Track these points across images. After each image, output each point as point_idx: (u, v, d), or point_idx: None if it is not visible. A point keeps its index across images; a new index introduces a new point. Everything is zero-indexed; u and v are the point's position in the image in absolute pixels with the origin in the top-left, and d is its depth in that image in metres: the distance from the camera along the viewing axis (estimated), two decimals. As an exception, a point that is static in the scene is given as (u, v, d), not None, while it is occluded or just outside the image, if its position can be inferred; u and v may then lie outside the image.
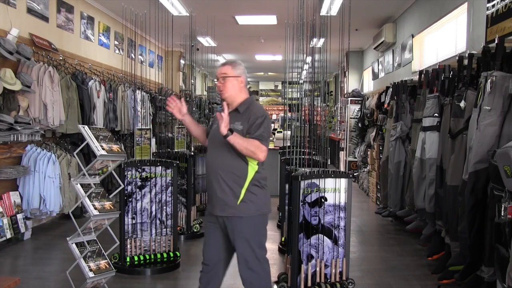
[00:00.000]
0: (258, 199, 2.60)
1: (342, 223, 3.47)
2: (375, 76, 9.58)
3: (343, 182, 3.46)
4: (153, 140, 6.18)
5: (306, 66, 5.45)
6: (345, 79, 11.39)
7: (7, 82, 4.47)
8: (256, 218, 2.63)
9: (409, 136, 5.20)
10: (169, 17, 5.28)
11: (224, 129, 2.43)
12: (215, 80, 2.72)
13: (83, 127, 3.14)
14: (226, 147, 2.54)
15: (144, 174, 4.11)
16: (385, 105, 6.53)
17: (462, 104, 3.53)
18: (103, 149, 3.09)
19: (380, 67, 9.02)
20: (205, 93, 13.54)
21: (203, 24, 6.91)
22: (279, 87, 20.13)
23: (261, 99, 21.05)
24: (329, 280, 3.44)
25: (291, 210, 3.51)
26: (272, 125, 14.62)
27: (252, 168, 2.60)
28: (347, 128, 9.81)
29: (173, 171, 4.20)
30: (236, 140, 2.47)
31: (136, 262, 4.01)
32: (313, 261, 3.39)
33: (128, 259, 4.00)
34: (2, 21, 4.78)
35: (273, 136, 10.00)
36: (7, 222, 4.60)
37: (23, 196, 4.90)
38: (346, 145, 9.79)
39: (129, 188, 4.06)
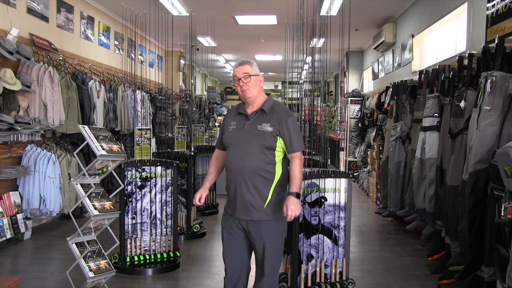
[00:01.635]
0: (283, 201, 2.53)
1: (342, 223, 3.47)
2: (375, 76, 9.58)
3: (343, 182, 3.46)
4: (153, 140, 6.19)
5: (306, 66, 5.45)
6: (345, 79, 11.39)
7: (7, 82, 4.47)
8: (282, 223, 2.60)
9: (409, 136, 5.20)
10: (169, 17, 5.28)
11: (297, 208, 2.46)
12: (232, 81, 2.61)
13: (83, 127, 3.14)
14: (256, 149, 2.50)
15: (144, 174, 4.12)
16: (385, 105, 6.53)
17: (462, 104, 3.53)
18: (103, 149, 3.09)
19: (380, 67, 9.02)
20: (205, 93, 13.56)
21: (203, 24, 6.92)
22: (279, 87, 20.13)
23: (261, 99, 21.03)
24: (329, 280, 3.44)
25: (291, 210, 3.51)
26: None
27: (279, 168, 2.56)
28: (347, 128, 9.81)
29: (173, 171, 4.20)
30: (299, 186, 2.53)
31: (136, 262, 4.01)
32: (313, 261, 3.40)
33: (128, 259, 4.00)
34: (2, 21, 4.78)
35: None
36: (7, 222, 4.60)
37: (23, 196, 4.90)
38: (346, 145, 9.79)
39: (129, 188, 4.06)
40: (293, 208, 2.45)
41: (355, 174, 8.63)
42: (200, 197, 2.67)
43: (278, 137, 2.52)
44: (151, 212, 4.13)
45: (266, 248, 2.52)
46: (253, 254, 2.64)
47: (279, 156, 2.55)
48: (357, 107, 9.65)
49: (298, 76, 4.84)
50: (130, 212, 4.06)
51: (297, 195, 2.50)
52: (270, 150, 2.52)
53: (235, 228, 2.58)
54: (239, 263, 2.61)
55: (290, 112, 2.65)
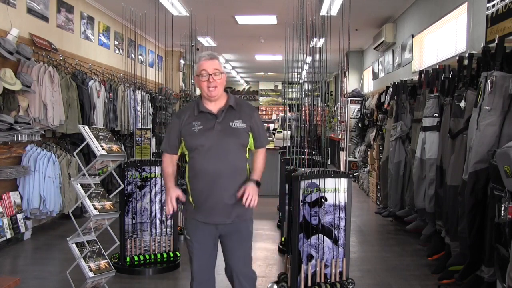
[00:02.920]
0: None
1: (342, 223, 3.47)
2: (375, 76, 9.58)
3: (343, 182, 3.46)
4: (153, 140, 6.19)
5: (306, 66, 5.45)
6: (345, 79, 11.39)
7: (7, 82, 4.47)
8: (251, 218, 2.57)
9: (409, 136, 5.20)
10: (169, 17, 5.28)
11: (255, 194, 2.34)
12: (201, 76, 2.37)
13: (83, 127, 3.14)
14: (234, 148, 2.39)
15: (144, 174, 4.11)
16: (385, 105, 6.53)
17: (462, 104, 3.53)
18: (103, 149, 3.09)
19: (380, 67, 9.02)
20: (205, 93, 13.54)
21: (203, 24, 6.91)
22: (279, 87, 20.13)
23: (261, 99, 21.06)
24: (329, 280, 3.44)
25: (291, 210, 3.51)
26: (272, 125, 14.64)
27: (247, 165, 2.50)
28: (347, 128, 9.81)
29: (173, 171, 4.19)
30: (260, 175, 2.47)
31: (136, 262, 4.02)
32: (313, 261, 3.39)
33: (128, 259, 4.00)
34: (2, 21, 4.78)
35: (273, 136, 10.00)
36: (7, 222, 4.60)
37: (23, 196, 4.90)
38: (346, 145, 9.79)
39: (129, 188, 4.06)
40: (251, 193, 2.31)
41: (355, 174, 8.63)
42: (177, 197, 2.40)
43: (249, 133, 2.45)
44: (151, 212, 4.13)
45: (247, 241, 2.52)
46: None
47: (246, 152, 2.49)
48: (357, 107, 9.65)
49: (298, 76, 4.84)
50: (130, 212, 4.06)
51: (258, 184, 2.42)
52: (244, 147, 2.45)
53: (207, 236, 2.44)
54: (208, 271, 2.52)
55: (253, 107, 2.60)
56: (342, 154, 10.16)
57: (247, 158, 2.48)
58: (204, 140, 2.36)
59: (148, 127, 5.00)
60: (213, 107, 2.42)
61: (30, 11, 5.28)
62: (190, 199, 2.44)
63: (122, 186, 3.73)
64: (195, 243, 2.46)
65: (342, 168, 9.83)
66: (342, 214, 3.46)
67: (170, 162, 2.53)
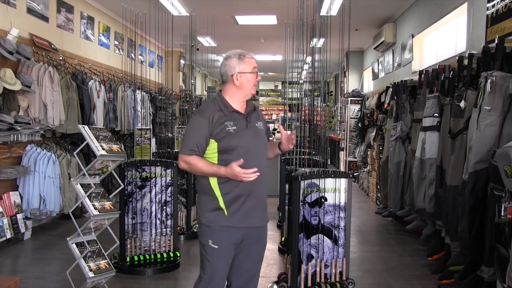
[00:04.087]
0: None
1: (342, 223, 3.47)
2: (375, 76, 9.58)
3: (343, 182, 3.46)
4: (153, 140, 6.19)
5: (306, 66, 5.45)
6: (345, 79, 11.39)
7: (7, 82, 4.47)
8: None
9: (409, 136, 5.20)
10: (169, 17, 5.28)
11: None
12: (252, 73, 2.34)
13: (83, 127, 3.14)
14: (264, 150, 2.41)
15: (144, 174, 4.11)
16: (385, 105, 6.53)
17: (462, 104, 3.53)
18: (103, 149, 3.09)
19: (380, 67, 9.02)
20: (205, 93, 13.55)
21: (203, 24, 6.91)
22: (279, 87, 20.14)
23: (261, 99, 21.07)
24: (329, 280, 3.44)
25: (291, 210, 3.51)
26: (272, 125, 14.67)
27: None
28: (347, 128, 9.81)
29: (173, 171, 4.20)
30: None
31: (136, 262, 4.01)
32: (313, 261, 3.39)
33: (128, 259, 4.00)
34: (2, 21, 4.78)
35: (273, 136, 10.00)
36: (7, 222, 4.60)
37: (23, 196, 4.90)
38: (346, 145, 9.79)
39: (129, 188, 4.06)
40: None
41: (355, 174, 8.63)
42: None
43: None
44: (151, 212, 4.13)
45: (264, 249, 2.50)
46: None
47: None
48: (357, 107, 9.65)
49: (298, 76, 4.84)
50: (130, 212, 4.05)
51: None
52: (267, 148, 2.49)
53: (235, 242, 2.34)
54: (225, 282, 2.42)
55: None
56: (342, 154, 10.16)
57: None
58: (242, 141, 2.28)
59: (148, 127, 5.00)
60: (240, 107, 2.36)
61: (30, 11, 5.28)
62: (222, 205, 2.29)
63: (122, 186, 3.73)
64: (222, 252, 2.30)
65: (342, 168, 9.83)
66: (342, 214, 3.46)
67: (202, 159, 2.31)
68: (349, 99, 9.89)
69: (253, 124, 2.36)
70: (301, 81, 4.85)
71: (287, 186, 4.20)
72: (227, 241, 2.31)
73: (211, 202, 2.31)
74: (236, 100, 2.35)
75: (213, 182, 2.31)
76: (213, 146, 2.29)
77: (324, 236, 3.43)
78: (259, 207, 2.36)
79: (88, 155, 5.68)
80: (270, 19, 8.08)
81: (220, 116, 2.28)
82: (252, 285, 2.45)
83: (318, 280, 3.40)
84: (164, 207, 4.19)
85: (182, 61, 10.85)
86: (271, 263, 4.30)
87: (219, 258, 2.32)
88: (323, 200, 3.42)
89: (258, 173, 2.22)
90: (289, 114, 5.76)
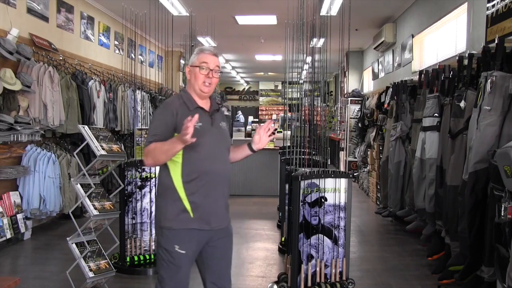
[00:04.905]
0: None
1: (342, 223, 3.47)
2: (375, 76, 9.58)
3: (343, 182, 3.46)
4: (153, 140, 6.16)
5: (306, 66, 5.45)
6: (345, 79, 11.40)
7: (7, 82, 4.47)
8: None
9: (409, 136, 5.20)
10: (169, 17, 5.28)
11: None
12: (200, 68, 2.24)
13: (83, 127, 3.14)
14: (226, 149, 2.34)
15: (144, 174, 4.11)
16: (385, 105, 6.53)
17: (462, 104, 3.53)
18: (103, 149, 3.09)
19: (380, 67, 9.02)
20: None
21: (203, 24, 6.91)
22: (279, 87, 20.13)
23: (261, 99, 21.06)
24: (329, 280, 3.44)
25: (291, 210, 3.51)
26: (272, 125, 14.69)
27: None
28: (347, 128, 9.81)
29: (173, 171, 4.19)
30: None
31: (136, 262, 4.01)
32: (313, 261, 3.39)
33: (128, 259, 4.00)
34: (2, 21, 4.78)
35: (272, 136, 9.99)
36: (7, 222, 4.60)
37: (23, 196, 4.90)
38: (346, 145, 9.80)
39: (129, 188, 4.06)
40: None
41: (355, 174, 8.63)
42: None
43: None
44: (151, 212, 4.13)
45: (230, 251, 2.37)
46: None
47: None
48: (357, 107, 9.65)
49: (298, 76, 4.84)
50: (130, 212, 4.05)
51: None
52: (229, 149, 2.40)
53: (199, 245, 2.25)
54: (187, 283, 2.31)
55: None
56: (342, 154, 10.16)
57: None
58: (207, 138, 2.20)
59: (148, 127, 4.99)
60: (204, 104, 2.29)
61: (30, 11, 5.28)
62: (187, 206, 2.18)
63: (122, 186, 3.74)
64: (186, 256, 2.20)
65: (342, 168, 9.83)
66: (342, 214, 3.46)
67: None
68: (349, 99, 9.89)
69: (217, 123, 2.31)
70: (301, 81, 4.84)
71: (287, 186, 4.20)
72: (192, 244, 2.21)
73: (175, 203, 2.20)
74: (197, 97, 2.28)
75: (177, 181, 2.20)
76: None
77: (324, 236, 3.43)
78: (223, 207, 2.29)
79: (88, 155, 5.68)
80: (270, 19, 8.08)
81: (184, 111, 2.20)
82: (225, 282, 2.37)
83: (318, 280, 3.40)
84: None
85: (182, 61, 10.85)
86: (271, 263, 4.30)
87: (183, 262, 2.22)
88: (323, 200, 3.42)
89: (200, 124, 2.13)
90: (289, 114, 5.75)
